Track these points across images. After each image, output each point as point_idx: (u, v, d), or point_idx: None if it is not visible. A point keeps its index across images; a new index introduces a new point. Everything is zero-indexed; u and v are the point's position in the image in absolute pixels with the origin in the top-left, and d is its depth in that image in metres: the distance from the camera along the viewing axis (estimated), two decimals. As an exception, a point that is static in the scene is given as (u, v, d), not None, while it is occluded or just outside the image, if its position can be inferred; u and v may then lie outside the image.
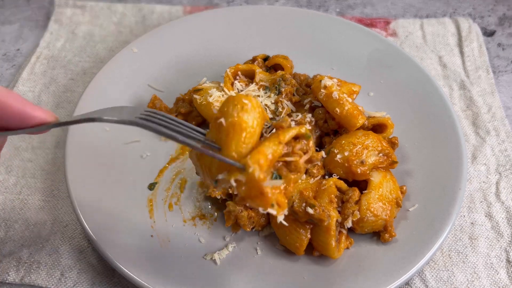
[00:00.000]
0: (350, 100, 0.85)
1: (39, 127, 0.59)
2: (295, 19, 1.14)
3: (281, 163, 0.61)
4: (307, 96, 0.91)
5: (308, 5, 1.33)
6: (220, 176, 0.59)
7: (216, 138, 0.60)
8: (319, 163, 0.85)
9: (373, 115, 0.89)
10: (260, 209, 0.59)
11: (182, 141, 0.58)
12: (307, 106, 0.90)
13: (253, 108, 0.60)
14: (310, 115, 0.89)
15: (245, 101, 0.60)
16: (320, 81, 0.86)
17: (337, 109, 0.84)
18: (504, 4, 1.32)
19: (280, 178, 0.61)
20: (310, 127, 0.81)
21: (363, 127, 0.87)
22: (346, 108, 0.84)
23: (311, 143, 0.63)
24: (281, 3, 1.34)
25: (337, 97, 0.84)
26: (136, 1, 1.32)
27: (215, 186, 0.61)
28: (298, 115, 0.88)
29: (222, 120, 0.59)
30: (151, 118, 0.59)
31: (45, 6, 1.30)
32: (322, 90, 0.85)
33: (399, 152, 0.90)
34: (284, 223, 0.68)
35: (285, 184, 0.61)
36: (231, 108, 0.60)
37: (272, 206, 0.58)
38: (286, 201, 0.60)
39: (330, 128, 0.88)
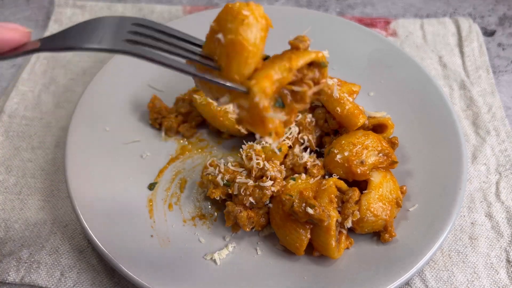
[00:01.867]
0: (350, 99, 0.85)
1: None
2: (295, 19, 1.14)
3: (287, 90, 0.55)
4: None
5: (308, 5, 1.33)
6: (222, 100, 0.55)
7: (214, 54, 0.54)
8: (319, 163, 0.85)
9: (374, 115, 0.89)
10: (257, 135, 0.56)
11: (177, 68, 0.53)
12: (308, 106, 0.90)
13: (256, 21, 0.52)
14: (310, 115, 0.89)
15: (246, 13, 0.51)
16: None
17: (338, 109, 0.84)
18: (504, 4, 1.32)
19: (284, 106, 0.56)
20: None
21: (363, 127, 0.87)
22: (347, 107, 0.84)
23: (326, 73, 0.57)
24: (281, 3, 1.34)
25: (338, 96, 0.84)
26: (136, 1, 1.32)
27: (218, 105, 0.57)
28: (298, 115, 0.88)
29: (221, 36, 0.52)
30: (140, 39, 0.54)
31: (45, 6, 1.30)
32: None
33: (399, 152, 0.90)
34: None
35: (287, 115, 0.56)
36: (229, 21, 0.51)
37: (270, 135, 0.54)
38: (285, 130, 0.56)
39: (331, 127, 0.88)
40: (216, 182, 0.82)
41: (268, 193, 0.79)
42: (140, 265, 0.76)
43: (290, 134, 0.87)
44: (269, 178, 0.79)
